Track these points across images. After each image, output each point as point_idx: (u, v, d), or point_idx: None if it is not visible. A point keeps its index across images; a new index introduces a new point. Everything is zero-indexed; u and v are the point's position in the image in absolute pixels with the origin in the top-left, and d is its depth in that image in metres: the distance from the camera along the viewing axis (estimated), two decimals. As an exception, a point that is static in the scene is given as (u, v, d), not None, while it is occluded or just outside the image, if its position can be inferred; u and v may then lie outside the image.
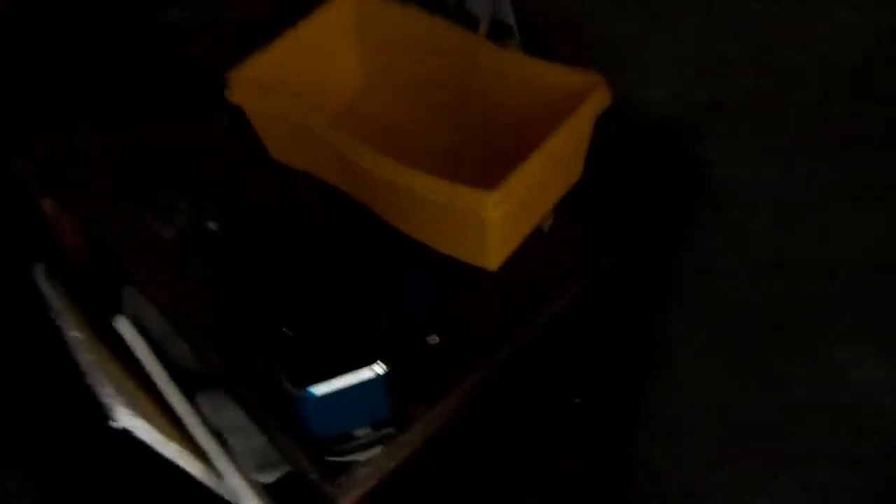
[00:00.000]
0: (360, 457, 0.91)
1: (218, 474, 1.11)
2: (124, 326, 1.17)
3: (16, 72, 1.34)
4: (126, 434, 1.04)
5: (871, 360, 1.10)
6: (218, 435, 1.15)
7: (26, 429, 1.72)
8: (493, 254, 1.00)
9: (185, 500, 1.22)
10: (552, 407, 1.25)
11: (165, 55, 1.37)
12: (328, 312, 0.90)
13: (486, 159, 1.10)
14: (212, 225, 1.12)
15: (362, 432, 0.90)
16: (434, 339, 0.97)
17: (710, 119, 1.12)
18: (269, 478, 1.15)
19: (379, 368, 0.83)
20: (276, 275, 1.02)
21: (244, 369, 0.97)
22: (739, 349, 1.30)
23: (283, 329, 0.87)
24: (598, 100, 0.99)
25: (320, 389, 0.83)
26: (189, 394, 1.18)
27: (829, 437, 1.23)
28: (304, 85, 1.15)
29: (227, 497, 1.13)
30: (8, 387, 1.71)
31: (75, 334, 1.11)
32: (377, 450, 0.91)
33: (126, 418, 1.02)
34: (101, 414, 1.04)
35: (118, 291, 1.33)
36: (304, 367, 0.84)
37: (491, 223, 0.93)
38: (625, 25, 1.16)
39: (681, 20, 1.07)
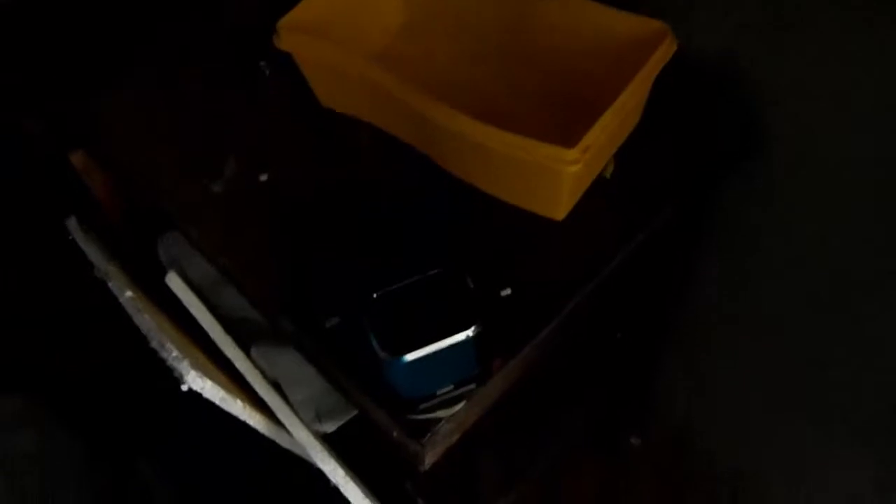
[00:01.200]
0: (443, 414, 0.91)
1: (281, 427, 1.11)
2: (176, 283, 1.15)
3: (46, 26, 1.29)
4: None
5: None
6: (275, 386, 1.15)
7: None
8: (563, 205, 1.00)
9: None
10: (599, 342, 1.26)
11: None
12: (412, 272, 0.88)
13: (537, 105, 1.09)
14: (263, 177, 1.10)
15: (444, 390, 0.90)
16: (507, 291, 0.97)
17: (763, 61, 1.10)
18: (329, 427, 1.15)
19: (470, 332, 0.83)
20: (346, 232, 1.01)
21: (317, 329, 0.97)
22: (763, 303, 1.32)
23: (372, 293, 0.86)
24: (666, 50, 0.98)
25: (413, 356, 0.83)
26: (243, 345, 1.17)
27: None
28: (348, 28, 1.12)
29: (291, 449, 1.14)
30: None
31: (129, 295, 1.09)
32: (459, 406, 0.91)
33: (195, 380, 1.01)
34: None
35: (153, 240, 1.30)
36: (395, 333, 0.84)
37: (567, 177, 0.93)
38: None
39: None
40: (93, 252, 1.19)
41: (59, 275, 1.49)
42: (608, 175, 1.06)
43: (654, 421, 1.73)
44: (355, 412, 1.14)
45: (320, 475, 1.11)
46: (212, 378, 1.05)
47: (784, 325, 1.31)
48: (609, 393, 1.47)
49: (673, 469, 1.68)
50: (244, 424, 1.11)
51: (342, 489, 1.10)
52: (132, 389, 1.58)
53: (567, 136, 0.90)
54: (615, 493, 1.62)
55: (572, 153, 0.89)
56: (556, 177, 0.93)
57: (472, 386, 0.91)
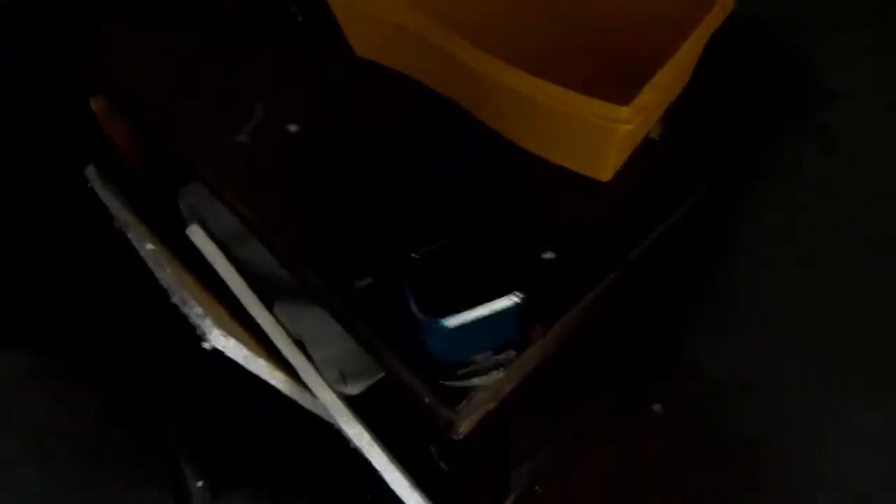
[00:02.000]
0: (479, 381, 0.87)
1: (304, 388, 1.08)
2: (199, 236, 1.10)
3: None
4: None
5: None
6: (298, 345, 1.11)
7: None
8: (610, 165, 0.95)
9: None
10: (638, 309, 1.22)
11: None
12: (453, 230, 0.83)
13: (581, 63, 1.03)
14: (292, 127, 1.05)
15: (482, 356, 0.86)
16: (550, 254, 0.92)
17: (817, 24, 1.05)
18: (354, 389, 1.11)
19: (517, 297, 0.78)
20: (379, 187, 0.96)
21: (346, 286, 0.92)
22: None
23: (410, 252, 0.81)
24: (721, 9, 0.93)
25: (455, 321, 0.78)
26: (266, 301, 1.13)
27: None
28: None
29: (313, 410, 1.10)
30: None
31: (150, 247, 1.04)
32: (497, 374, 0.87)
33: (217, 338, 0.97)
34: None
35: (174, 193, 1.26)
36: (436, 295, 0.79)
37: (618, 137, 0.88)
38: None
39: None
40: (112, 202, 1.14)
41: (60, 273, 1.45)
42: (656, 136, 1.01)
43: (676, 387, 1.71)
44: (382, 374, 1.10)
45: (340, 438, 1.07)
46: (234, 336, 1.01)
47: (813, 296, 1.30)
48: (642, 361, 1.43)
49: (693, 435, 1.66)
50: (262, 384, 1.07)
51: (366, 453, 1.06)
52: (147, 349, 1.55)
53: (609, 94, 0.86)
54: (634, 459, 1.59)
55: (626, 111, 0.84)
56: (607, 135, 0.88)
57: (512, 353, 0.87)
